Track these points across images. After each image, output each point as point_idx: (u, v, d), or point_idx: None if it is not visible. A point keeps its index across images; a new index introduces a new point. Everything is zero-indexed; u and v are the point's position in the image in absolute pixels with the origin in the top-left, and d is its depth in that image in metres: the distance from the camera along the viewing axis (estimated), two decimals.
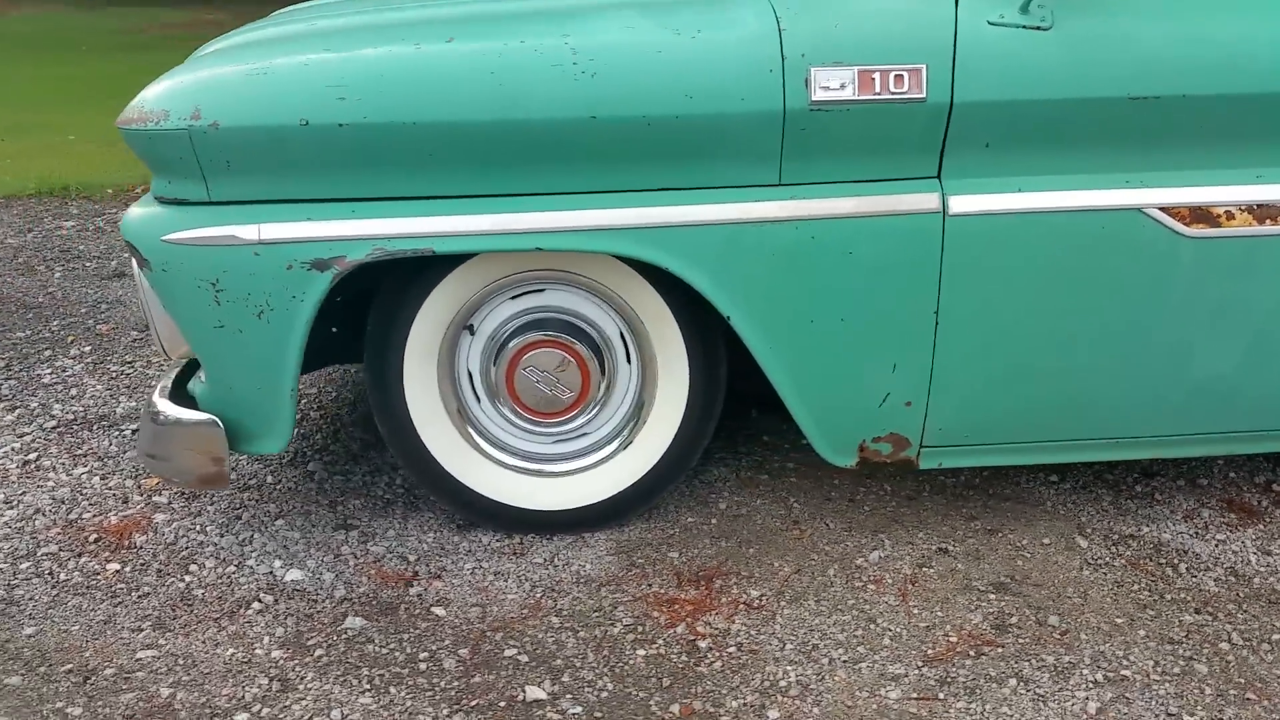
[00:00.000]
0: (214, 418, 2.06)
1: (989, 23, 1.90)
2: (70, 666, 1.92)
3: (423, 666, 1.91)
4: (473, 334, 2.20)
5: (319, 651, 1.95)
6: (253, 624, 2.03)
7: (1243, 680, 1.83)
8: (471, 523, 2.32)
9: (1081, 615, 2.01)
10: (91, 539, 2.32)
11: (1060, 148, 1.95)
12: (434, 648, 1.96)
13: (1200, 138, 1.96)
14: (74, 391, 3.04)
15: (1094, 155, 1.96)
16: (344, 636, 1.99)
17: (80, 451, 2.70)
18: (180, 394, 2.19)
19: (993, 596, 2.07)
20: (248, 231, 1.94)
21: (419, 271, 2.08)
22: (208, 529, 2.35)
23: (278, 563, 2.22)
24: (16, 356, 3.25)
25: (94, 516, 2.41)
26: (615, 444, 2.27)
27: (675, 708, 1.80)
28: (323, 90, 1.89)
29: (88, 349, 3.34)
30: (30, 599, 2.12)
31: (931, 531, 2.29)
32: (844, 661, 1.90)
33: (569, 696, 1.83)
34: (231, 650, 1.96)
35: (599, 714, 1.79)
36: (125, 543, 2.31)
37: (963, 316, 2.02)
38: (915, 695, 1.82)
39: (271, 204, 1.96)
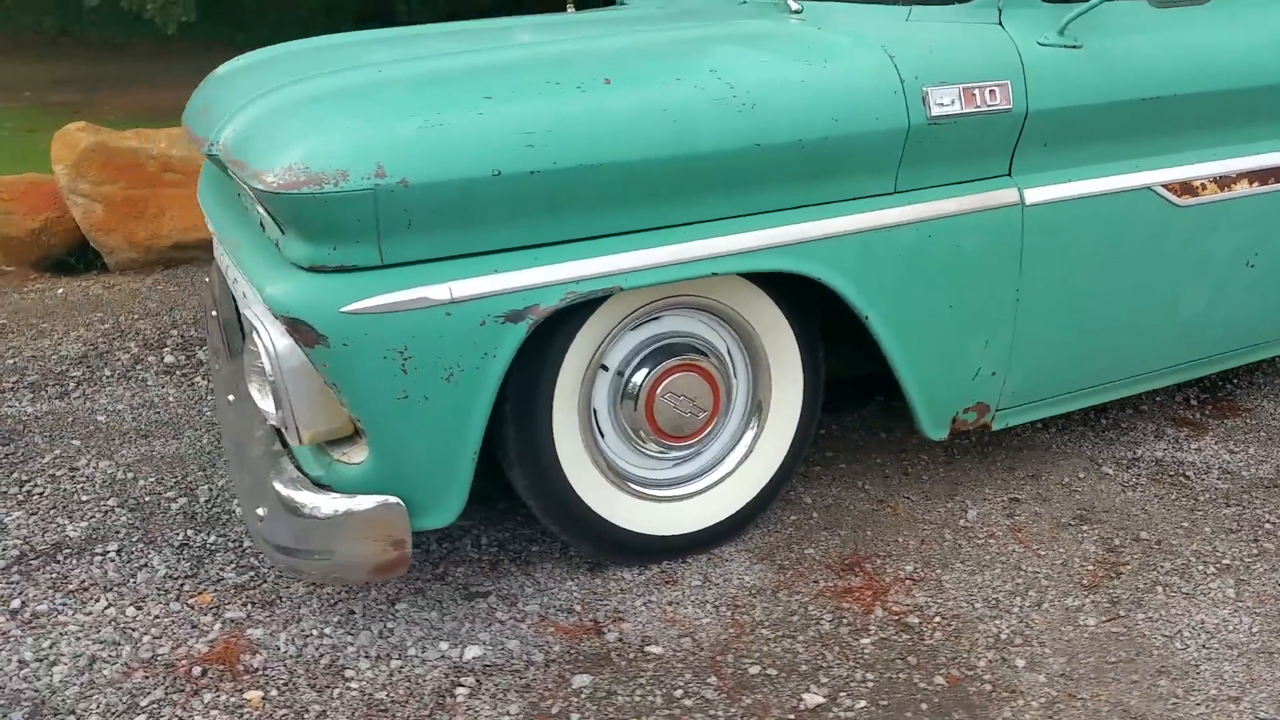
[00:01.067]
0: (395, 498, 1.89)
1: (1038, 43, 2.24)
2: None
3: (689, 703, 1.90)
4: (607, 371, 2.19)
5: (574, 716, 1.87)
6: (476, 710, 1.89)
7: None
8: (610, 560, 2.29)
9: (1158, 526, 2.42)
10: (196, 673, 2.01)
11: (1095, 142, 2.34)
12: (682, 683, 1.95)
13: (1183, 128, 2.44)
14: None
15: (1117, 146, 2.37)
16: (584, 695, 1.92)
17: (73, 587, 2.29)
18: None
19: (1085, 528, 2.42)
20: (438, 291, 1.82)
21: (567, 314, 2.04)
22: (326, 631, 2.12)
23: (444, 645, 2.07)
24: None
25: (174, 649, 2.08)
26: (738, 456, 2.35)
27: (939, 679, 1.95)
28: (513, 139, 1.82)
29: None
30: None
31: (993, 487, 2.60)
32: (1030, 606, 2.15)
33: (843, 694, 1.92)
34: None
35: (883, 701, 1.90)
36: (240, 668, 2.02)
37: (1036, 290, 2.35)
38: (1106, 619, 2.11)
39: (456, 260, 1.85)
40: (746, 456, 2.35)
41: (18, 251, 4.86)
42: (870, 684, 1.94)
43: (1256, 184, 2.53)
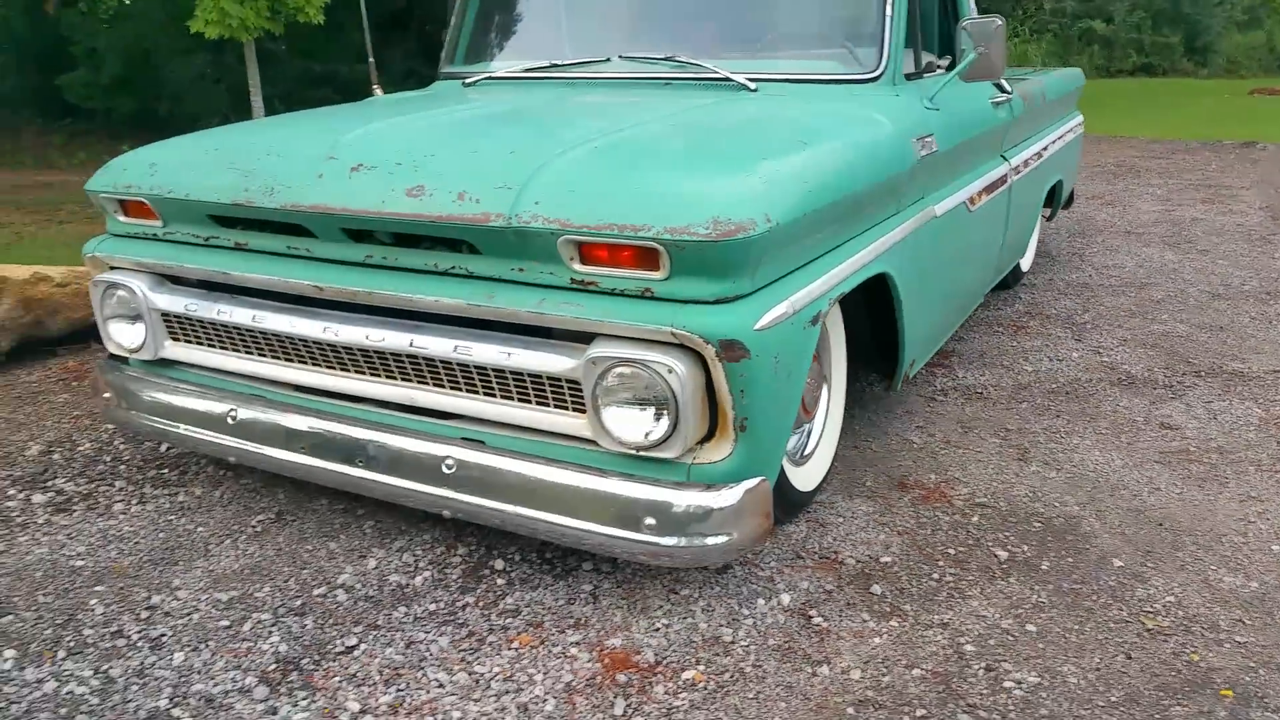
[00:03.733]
0: (763, 477, 2.36)
1: (925, 107, 3.37)
2: None
3: (950, 579, 2.64)
4: None
5: (906, 607, 2.52)
6: (839, 627, 2.44)
7: (1069, 410, 3.77)
8: (783, 520, 2.88)
9: (1007, 419, 3.69)
10: (622, 681, 2.23)
11: (948, 173, 3.53)
12: (930, 570, 2.68)
13: (971, 158, 3.74)
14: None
15: (954, 175, 3.59)
16: (890, 596, 2.56)
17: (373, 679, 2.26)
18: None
19: (975, 432, 3.59)
20: (787, 306, 2.34)
21: None
22: (669, 624, 2.44)
23: (760, 601, 2.53)
24: None
25: (560, 682, 2.25)
26: (821, 419, 3.09)
27: (1036, 524, 2.95)
28: (802, 185, 2.42)
29: None
30: None
31: (899, 423, 3.66)
32: (1015, 476, 3.25)
33: (1011, 548, 2.82)
34: (936, 645, 2.40)
35: (1032, 543, 2.84)
36: (640, 667, 2.29)
37: (938, 268, 3.46)
38: (1057, 472, 3.29)
39: (781, 280, 2.38)
40: (827, 418, 3.10)
41: None
42: (1013, 538, 2.87)
43: (986, 194, 3.94)
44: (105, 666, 2.26)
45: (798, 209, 2.35)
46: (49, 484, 3.16)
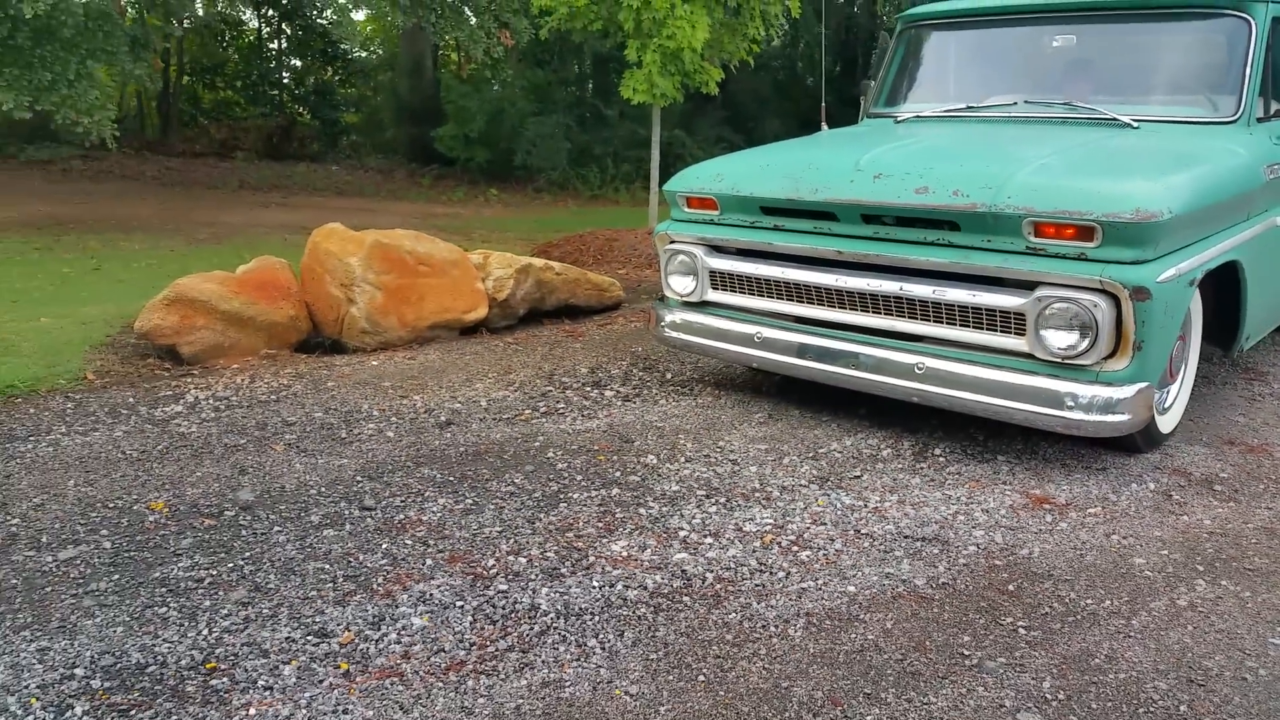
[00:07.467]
0: (1149, 383, 3.45)
1: (1272, 143, 4.32)
2: None
3: (1272, 488, 3.61)
4: None
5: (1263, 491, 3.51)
6: (1191, 504, 3.46)
7: None
8: (1146, 449, 3.90)
9: None
10: (1035, 503, 3.37)
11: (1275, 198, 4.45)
12: (1255, 486, 3.64)
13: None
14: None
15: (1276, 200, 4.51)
16: (1222, 493, 3.56)
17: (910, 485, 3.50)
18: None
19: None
20: (1173, 271, 3.42)
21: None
22: (1059, 481, 3.56)
23: (1132, 486, 3.60)
24: None
25: (1010, 502, 3.41)
26: (1178, 381, 4.10)
27: None
28: (1189, 192, 3.51)
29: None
30: None
31: (1256, 409, 4.58)
32: None
33: None
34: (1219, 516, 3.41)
35: None
36: (1057, 503, 3.41)
37: (1270, 265, 4.36)
38: None
39: (1172, 254, 3.47)
40: (1182, 384, 4.11)
41: (281, 336, 5.38)
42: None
43: None
44: (710, 470, 3.64)
45: (1187, 207, 3.45)
46: (608, 387, 4.67)
